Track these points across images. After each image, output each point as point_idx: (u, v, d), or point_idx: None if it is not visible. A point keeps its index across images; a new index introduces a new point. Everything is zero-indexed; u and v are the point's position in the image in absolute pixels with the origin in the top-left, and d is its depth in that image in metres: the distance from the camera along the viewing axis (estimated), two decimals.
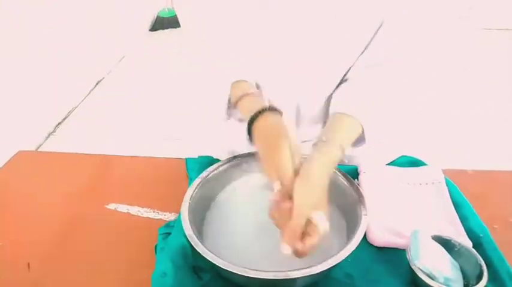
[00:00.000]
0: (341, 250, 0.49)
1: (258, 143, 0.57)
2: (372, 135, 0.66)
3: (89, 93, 2.86)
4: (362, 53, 0.67)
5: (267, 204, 0.60)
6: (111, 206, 0.71)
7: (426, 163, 0.78)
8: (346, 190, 0.60)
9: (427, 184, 0.73)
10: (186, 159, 0.81)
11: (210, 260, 0.48)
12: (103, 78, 3.04)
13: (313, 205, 0.50)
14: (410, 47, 0.66)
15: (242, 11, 0.65)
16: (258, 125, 0.57)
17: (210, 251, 0.49)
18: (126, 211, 0.69)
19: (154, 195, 0.73)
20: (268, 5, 0.63)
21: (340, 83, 0.72)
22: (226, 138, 0.88)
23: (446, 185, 0.72)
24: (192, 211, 0.57)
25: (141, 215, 0.68)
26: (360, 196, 0.58)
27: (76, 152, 0.86)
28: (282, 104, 0.72)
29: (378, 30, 0.64)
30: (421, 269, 0.52)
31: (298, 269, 0.46)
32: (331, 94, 0.71)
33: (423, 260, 0.52)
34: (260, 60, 0.70)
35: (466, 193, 0.71)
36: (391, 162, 0.80)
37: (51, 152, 0.87)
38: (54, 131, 2.46)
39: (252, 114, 0.58)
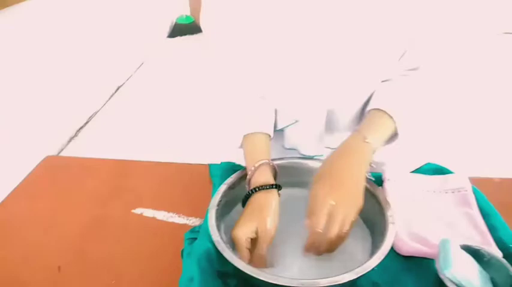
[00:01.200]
0: (367, 258, 0.49)
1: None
2: (401, 138, 0.66)
3: (110, 98, 2.91)
4: (402, 56, 0.67)
5: (289, 209, 0.60)
6: (138, 210, 0.72)
7: (452, 170, 0.77)
8: (372, 198, 0.59)
9: (453, 192, 0.72)
10: (210, 165, 0.82)
11: (238, 266, 0.48)
12: (123, 83, 3.10)
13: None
14: (444, 55, 0.66)
15: (265, 15, 0.65)
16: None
17: (237, 257, 0.49)
18: (152, 215, 0.71)
19: (179, 200, 0.74)
20: (294, 8, 0.62)
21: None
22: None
23: (473, 194, 0.70)
24: (218, 217, 0.57)
25: (167, 220, 0.70)
26: (387, 203, 0.57)
27: (101, 157, 0.88)
28: (312, 112, 0.72)
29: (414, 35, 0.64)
30: (450, 280, 0.51)
31: (326, 278, 0.46)
32: (368, 99, 0.71)
33: (453, 270, 0.51)
34: (286, 66, 0.69)
35: (493, 201, 0.69)
36: (416, 169, 0.79)
37: (78, 157, 0.89)
38: (76, 135, 2.52)
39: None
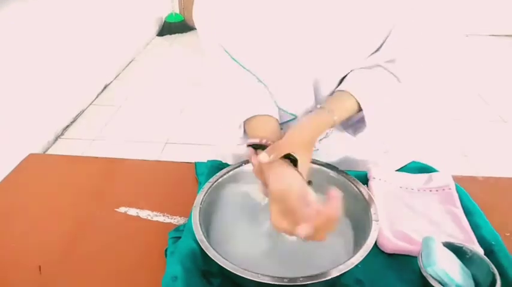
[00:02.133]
0: (351, 255, 0.49)
1: None
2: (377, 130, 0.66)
3: (97, 96, 2.88)
4: (380, 46, 0.67)
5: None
6: (121, 209, 0.71)
7: (436, 169, 0.77)
8: (356, 196, 0.59)
9: (437, 190, 0.73)
10: (196, 163, 0.81)
11: (222, 265, 0.48)
12: (111, 82, 3.07)
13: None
14: (421, 49, 0.67)
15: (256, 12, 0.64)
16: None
17: (221, 256, 0.49)
18: (135, 214, 0.70)
19: (163, 199, 0.73)
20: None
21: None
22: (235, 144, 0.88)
23: (457, 192, 0.71)
24: (202, 216, 0.57)
25: (151, 219, 0.69)
26: (371, 201, 0.57)
27: (86, 155, 0.87)
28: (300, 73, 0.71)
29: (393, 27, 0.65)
30: (432, 277, 0.51)
31: (308, 275, 0.46)
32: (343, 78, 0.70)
33: (435, 267, 0.51)
34: (274, 36, 0.66)
35: (476, 200, 0.70)
36: (401, 168, 0.79)
37: (61, 155, 0.87)
38: (62, 134, 2.48)
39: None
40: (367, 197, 0.58)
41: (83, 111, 2.69)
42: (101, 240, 0.65)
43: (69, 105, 2.57)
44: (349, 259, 0.48)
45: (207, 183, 0.63)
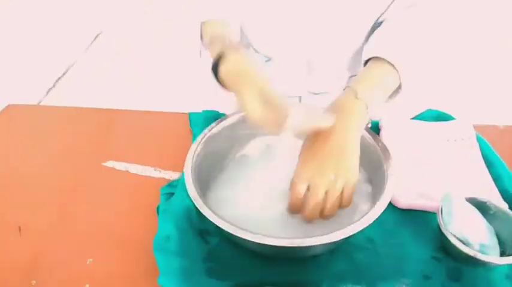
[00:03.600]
0: (365, 213, 0.44)
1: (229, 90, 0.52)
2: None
3: (89, 46, 2.74)
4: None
5: (278, 163, 0.54)
6: (109, 163, 0.65)
7: (454, 117, 0.70)
8: (370, 147, 0.53)
9: (455, 140, 0.66)
10: (190, 113, 0.74)
11: (218, 225, 0.42)
12: (102, 31, 2.90)
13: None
14: None
15: None
16: (221, 70, 0.50)
17: (217, 215, 0.43)
18: (124, 169, 0.64)
19: (155, 152, 0.67)
20: None
21: (373, 28, 0.63)
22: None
23: (477, 142, 0.65)
24: (196, 171, 0.50)
25: (141, 174, 0.63)
26: (386, 153, 0.51)
27: (70, 106, 0.80)
28: (292, 54, 0.65)
29: None
30: (454, 235, 0.46)
31: (316, 236, 0.41)
32: (363, 44, 0.63)
33: (456, 225, 0.46)
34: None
35: (497, 149, 0.64)
36: (415, 116, 0.72)
37: (43, 105, 0.80)
38: (54, 86, 2.38)
39: (214, 57, 0.51)
40: (382, 149, 0.51)
41: (75, 62, 2.57)
42: (87, 197, 0.60)
43: (60, 56, 2.46)
44: (361, 217, 0.42)
45: (201, 134, 0.56)
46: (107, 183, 0.62)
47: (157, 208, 0.56)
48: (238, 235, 0.41)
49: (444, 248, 0.49)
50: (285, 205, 0.49)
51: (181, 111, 0.76)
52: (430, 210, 0.55)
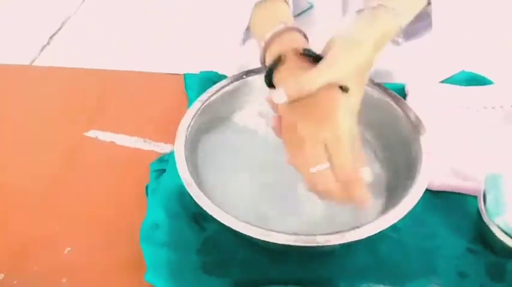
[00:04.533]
0: (393, 202, 0.36)
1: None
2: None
3: (82, 3, 2.57)
4: None
5: None
6: (91, 133, 0.56)
7: (492, 80, 0.60)
8: (399, 119, 0.44)
9: (493, 107, 0.57)
10: (185, 75, 0.64)
11: (220, 219, 0.34)
12: None
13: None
14: None
15: None
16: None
17: (216, 205, 0.35)
18: (110, 140, 0.55)
19: (144, 120, 0.58)
20: None
21: None
22: (235, 49, 0.70)
23: None
24: (190, 147, 0.42)
25: (129, 146, 0.54)
26: (419, 125, 0.42)
27: (61, 66, 0.70)
28: None
29: None
30: (501, 228, 0.38)
31: (330, 234, 0.33)
32: None
33: (507, 217, 0.38)
34: None
35: None
36: (446, 79, 0.62)
37: (17, 65, 0.71)
38: (48, 43, 2.26)
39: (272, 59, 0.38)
40: (414, 120, 0.42)
41: (69, 17, 2.42)
42: (64, 174, 0.52)
43: (54, 12, 2.31)
44: (389, 210, 0.34)
45: (195, 102, 0.47)
46: (89, 156, 0.54)
47: (146, 188, 0.48)
48: (240, 231, 0.33)
49: (482, 239, 0.42)
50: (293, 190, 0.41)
51: (175, 72, 0.66)
52: (465, 192, 0.46)
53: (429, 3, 0.44)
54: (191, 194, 0.36)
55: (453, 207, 0.45)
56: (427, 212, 0.45)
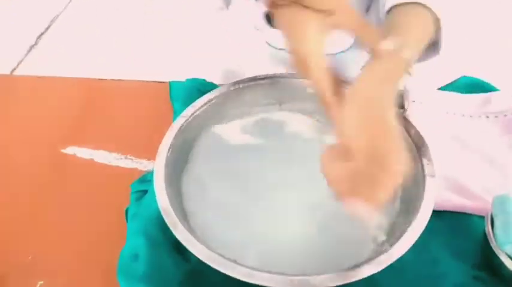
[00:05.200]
0: (397, 233, 0.32)
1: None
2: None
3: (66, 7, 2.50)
4: None
5: (281, 157, 0.41)
6: (69, 150, 0.52)
7: (495, 86, 0.57)
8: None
9: (496, 116, 0.54)
10: (170, 83, 0.60)
11: (199, 256, 0.31)
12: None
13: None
14: None
15: None
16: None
17: (197, 235, 0.32)
18: (89, 157, 0.52)
19: (126, 134, 0.54)
20: None
21: None
22: (225, 54, 0.67)
23: None
24: (172, 168, 0.39)
25: (109, 164, 0.51)
26: (421, 143, 0.38)
27: (40, 75, 0.66)
28: None
29: None
30: (511, 257, 0.35)
31: (325, 274, 0.30)
32: None
33: None
34: None
35: None
36: (446, 85, 0.59)
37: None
38: (36, 43, 2.20)
39: None
40: (416, 136, 0.39)
41: (58, 15, 2.36)
42: (39, 197, 0.48)
43: (42, 11, 2.25)
44: (393, 245, 0.31)
45: (178, 117, 0.43)
46: (65, 177, 0.50)
47: (126, 211, 0.44)
48: (223, 272, 0.30)
49: (489, 265, 0.39)
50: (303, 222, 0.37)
51: (161, 79, 0.62)
52: (469, 211, 0.43)
53: (439, 29, 0.41)
54: (168, 225, 0.33)
55: (457, 228, 0.42)
56: (429, 235, 0.41)
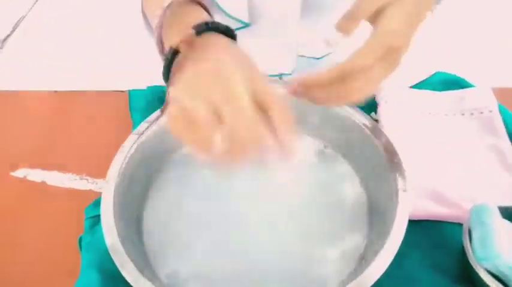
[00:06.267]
0: (369, 253, 0.30)
1: None
2: None
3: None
4: None
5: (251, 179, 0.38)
6: (19, 172, 0.48)
7: (471, 82, 0.55)
8: (367, 141, 0.37)
9: (472, 113, 0.52)
10: (130, 91, 0.56)
11: None
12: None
13: None
14: None
15: None
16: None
17: (149, 276, 0.29)
18: (40, 180, 0.47)
19: (81, 153, 0.50)
20: None
21: None
22: None
23: (500, 115, 0.50)
24: (124, 195, 0.35)
25: (63, 186, 0.47)
26: (393, 155, 0.36)
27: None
28: None
29: None
30: (490, 271, 0.33)
31: None
32: None
33: (497, 259, 0.32)
34: None
35: None
36: (420, 82, 0.56)
37: None
38: (1, 47, 2.10)
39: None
40: (387, 146, 0.36)
41: (23, 17, 2.26)
42: None
43: (5, 13, 2.15)
44: (365, 269, 0.28)
45: (131, 134, 0.40)
46: (16, 199, 0.46)
47: (79, 240, 0.41)
48: None
49: (469, 279, 0.37)
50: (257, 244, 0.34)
51: (120, 88, 0.58)
52: (447, 219, 0.41)
53: None
54: (116, 264, 0.29)
55: (436, 239, 0.40)
56: (403, 245, 0.39)
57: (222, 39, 0.34)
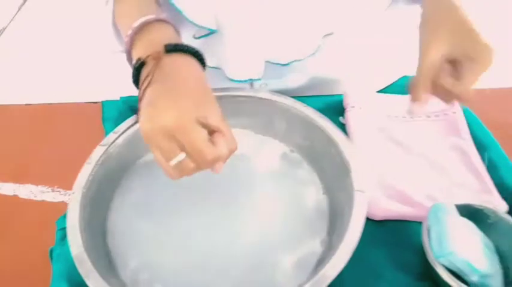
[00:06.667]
0: (326, 256, 0.31)
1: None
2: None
3: (19, 9, 2.38)
4: None
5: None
6: None
7: None
8: (329, 145, 0.39)
9: (437, 115, 0.53)
10: (103, 102, 0.57)
11: None
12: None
13: None
14: None
15: None
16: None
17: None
18: (12, 193, 0.48)
19: (53, 165, 0.50)
20: None
21: None
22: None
23: (464, 116, 0.52)
24: (90, 206, 0.35)
25: (35, 199, 0.47)
26: (352, 158, 0.37)
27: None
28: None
29: None
30: (447, 267, 0.34)
31: None
32: None
33: (452, 256, 0.34)
34: None
35: (486, 123, 0.52)
36: (387, 87, 0.58)
37: None
38: None
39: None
40: (346, 149, 0.38)
41: (4, 29, 2.24)
42: None
43: None
44: (323, 268, 0.29)
45: (98, 146, 0.40)
46: None
47: (50, 252, 0.41)
48: None
49: (432, 279, 0.38)
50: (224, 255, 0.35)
51: (93, 100, 0.59)
52: (411, 219, 0.43)
53: None
54: (81, 274, 0.30)
55: (399, 238, 0.41)
56: (368, 245, 0.40)
57: (188, 62, 0.35)
